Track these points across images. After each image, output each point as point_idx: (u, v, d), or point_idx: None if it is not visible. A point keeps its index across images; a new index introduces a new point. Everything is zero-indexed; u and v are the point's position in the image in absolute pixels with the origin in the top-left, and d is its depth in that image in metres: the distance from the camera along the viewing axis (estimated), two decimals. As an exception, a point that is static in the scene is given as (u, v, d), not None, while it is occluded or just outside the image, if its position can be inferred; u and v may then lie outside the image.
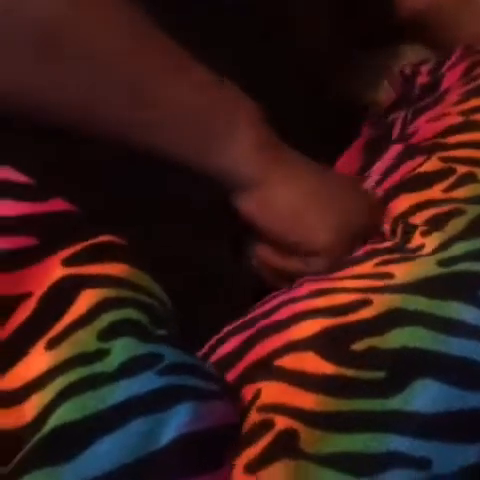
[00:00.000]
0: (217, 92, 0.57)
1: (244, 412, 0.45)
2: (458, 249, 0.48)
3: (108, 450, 0.41)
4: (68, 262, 0.47)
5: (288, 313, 0.48)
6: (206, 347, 0.51)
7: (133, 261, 0.49)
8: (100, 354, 0.44)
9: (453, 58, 0.72)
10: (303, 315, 0.47)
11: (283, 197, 0.56)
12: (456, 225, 0.51)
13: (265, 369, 0.46)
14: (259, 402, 0.45)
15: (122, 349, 0.44)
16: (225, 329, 0.51)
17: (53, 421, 0.42)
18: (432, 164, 0.57)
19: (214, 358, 0.49)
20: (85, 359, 0.44)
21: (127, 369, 0.44)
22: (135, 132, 0.54)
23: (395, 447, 0.41)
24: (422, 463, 0.40)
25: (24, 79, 0.52)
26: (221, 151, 0.55)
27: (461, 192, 0.53)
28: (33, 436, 0.41)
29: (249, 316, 0.50)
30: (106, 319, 0.45)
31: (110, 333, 0.45)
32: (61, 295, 0.46)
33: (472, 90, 0.64)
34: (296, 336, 0.46)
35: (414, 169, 0.58)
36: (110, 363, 0.44)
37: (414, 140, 0.63)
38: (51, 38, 0.51)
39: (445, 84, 0.69)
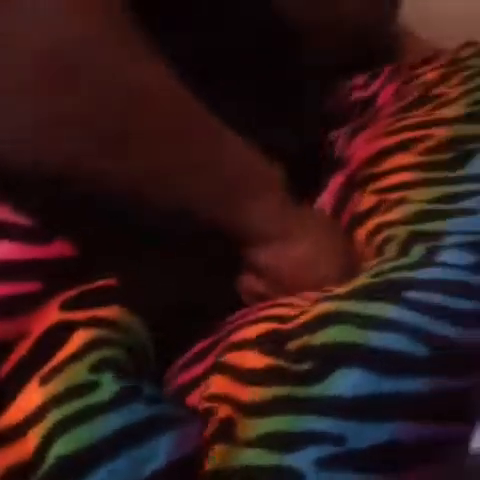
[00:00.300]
0: (250, 158, 0.59)
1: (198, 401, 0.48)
2: (389, 266, 0.53)
3: (104, 479, 0.43)
4: (65, 307, 0.49)
5: (243, 321, 0.52)
6: (177, 367, 0.53)
7: (124, 302, 0.51)
8: (92, 386, 0.46)
9: (385, 73, 0.76)
10: (252, 321, 0.51)
11: (300, 249, 0.59)
12: (389, 250, 0.56)
13: (214, 367, 0.49)
14: (206, 392, 0.48)
15: (112, 381, 0.47)
16: (194, 350, 0.53)
17: (52, 455, 0.44)
18: (367, 200, 0.61)
19: (185, 378, 0.52)
20: (78, 391, 0.46)
21: (117, 400, 0.46)
22: (170, 193, 0.55)
23: (314, 426, 0.44)
24: (338, 440, 0.43)
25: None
26: (250, 210, 0.58)
27: (393, 215, 0.58)
28: (37, 470, 0.44)
29: (217, 335, 0.53)
30: (96, 355, 0.47)
31: (100, 367, 0.47)
32: (55, 336, 0.48)
33: (402, 108, 0.67)
34: (241, 337, 0.50)
35: (353, 210, 0.62)
36: (102, 394, 0.46)
37: (352, 166, 0.66)
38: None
39: (380, 101, 0.72)
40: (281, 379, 0.46)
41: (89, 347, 0.48)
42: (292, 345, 0.48)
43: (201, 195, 0.56)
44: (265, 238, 0.58)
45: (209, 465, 0.45)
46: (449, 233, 0.54)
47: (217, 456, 0.45)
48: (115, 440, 0.45)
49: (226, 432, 0.46)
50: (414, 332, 0.47)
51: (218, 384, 0.48)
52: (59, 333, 0.49)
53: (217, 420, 0.46)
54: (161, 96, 0.54)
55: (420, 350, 0.46)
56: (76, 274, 0.51)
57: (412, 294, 0.49)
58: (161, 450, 0.45)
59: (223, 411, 0.46)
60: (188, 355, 0.53)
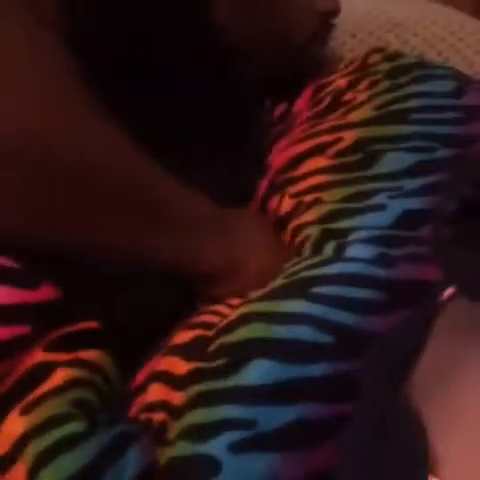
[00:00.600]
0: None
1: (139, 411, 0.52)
2: (299, 267, 0.56)
3: None
4: (48, 348, 0.52)
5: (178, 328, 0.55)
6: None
7: (103, 344, 0.54)
8: (70, 416, 0.49)
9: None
10: (184, 328, 0.54)
11: (249, 269, 0.62)
12: (305, 249, 0.59)
13: (152, 375, 0.53)
14: (144, 402, 0.51)
15: (85, 416, 0.50)
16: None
17: None
18: (286, 204, 0.64)
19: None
20: (56, 421, 0.48)
21: (91, 429, 0.49)
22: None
23: (227, 414, 0.47)
24: (249, 424, 0.46)
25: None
26: (198, 255, 0.61)
27: (309, 217, 0.61)
28: None
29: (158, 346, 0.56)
30: (76, 393, 0.50)
31: (77, 404, 0.50)
32: (37, 373, 0.50)
33: (316, 114, 0.71)
34: (175, 342, 0.53)
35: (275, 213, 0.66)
36: (78, 424, 0.49)
37: (272, 171, 0.69)
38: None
39: (295, 108, 0.76)
40: (201, 377, 0.49)
41: (70, 384, 0.50)
42: (211, 347, 0.51)
43: (155, 250, 0.60)
44: (214, 276, 0.61)
45: None
46: (357, 229, 0.58)
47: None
48: (94, 467, 0.47)
49: (160, 437, 0.48)
50: (318, 323, 0.50)
51: (154, 392, 0.51)
52: (41, 371, 0.51)
53: (154, 428, 0.49)
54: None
55: (324, 338, 0.49)
56: (61, 317, 0.54)
57: (317, 289, 0.53)
58: (130, 463, 0.47)
59: (157, 418, 0.50)
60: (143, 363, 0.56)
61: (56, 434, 0.48)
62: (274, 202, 0.67)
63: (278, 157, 0.70)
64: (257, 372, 0.48)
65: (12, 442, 0.48)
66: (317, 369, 0.48)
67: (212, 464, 0.46)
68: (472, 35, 1.09)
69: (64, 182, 0.56)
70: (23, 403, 0.49)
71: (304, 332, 0.50)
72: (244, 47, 0.75)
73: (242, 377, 0.48)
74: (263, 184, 0.71)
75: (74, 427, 0.48)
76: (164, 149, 0.62)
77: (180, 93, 0.70)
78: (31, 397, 0.49)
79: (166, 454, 0.47)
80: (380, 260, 0.55)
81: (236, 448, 0.46)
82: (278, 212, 0.66)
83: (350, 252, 0.56)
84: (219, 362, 0.50)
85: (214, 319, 0.54)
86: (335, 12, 0.80)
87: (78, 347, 0.53)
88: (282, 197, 0.66)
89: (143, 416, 0.51)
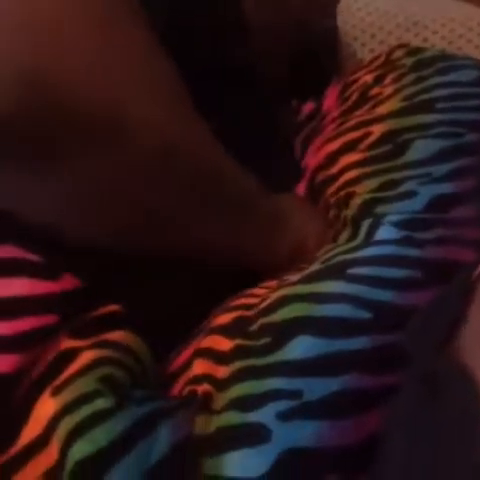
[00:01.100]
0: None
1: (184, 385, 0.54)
2: (335, 251, 0.59)
3: (122, 474, 0.48)
4: (74, 335, 0.53)
5: (218, 310, 0.58)
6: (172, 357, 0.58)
7: (128, 326, 0.56)
8: (99, 393, 0.50)
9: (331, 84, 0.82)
10: (226, 310, 0.57)
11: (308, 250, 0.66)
12: (341, 238, 0.62)
13: (193, 356, 0.55)
14: (190, 376, 0.54)
15: (113, 392, 0.51)
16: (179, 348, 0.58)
17: (72, 459, 0.48)
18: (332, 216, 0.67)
19: (170, 370, 0.57)
20: (86, 399, 0.50)
21: (121, 404, 0.51)
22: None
23: (273, 386, 0.49)
24: (295, 394, 0.49)
25: None
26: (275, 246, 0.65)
27: (346, 212, 0.64)
28: (62, 474, 0.48)
29: (198, 328, 0.58)
30: (102, 370, 0.52)
31: (105, 380, 0.51)
32: (64, 358, 0.52)
33: (344, 111, 0.73)
34: (216, 323, 0.56)
35: None
36: (108, 400, 0.50)
37: (307, 175, 0.73)
38: None
39: (324, 107, 0.78)
40: (245, 354, 0.52)
41: (97, 363, 0.52)
42: (253, 327, 0.53)
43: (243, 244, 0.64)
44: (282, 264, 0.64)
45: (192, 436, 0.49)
46: (389, 213, 0.60)
47: (197, 426, 0.49)
48: (124, 439, 0.49)
49: (205, 406, 0.50)
50: (356, 300, 0.52)
51: (199, 366, 0.53)
52: (68, 355, 0.52)
53: (198, 398, 0.51)
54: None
55: (362, 314, 0.52)
56: (86, 304, 0.55)
57: (353, 270, 0.55)
58: (161, 438, 0.49)
59: (202, 389, 0.51)
60: (179, 347, 0.58)
61: (86, 410, 0.49)
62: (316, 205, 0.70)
63: (313, 157, 0.73)
64: (300, 347, 0.50)
65: (45, 424, 0.49)
66: (358, 342, 0.50)
67: (262, 431, 0.48)
68: (490, 30, 1.11)
69: (186, 187, 0.59)
70: (53, 385, 0.51)
71: (343, 309, 0.52)
72: (261, 27, 0.79)
73: (286, 353, 0.51)
74: (301, 186, 0.74)
75: (103, 403, 0.50)
76: None
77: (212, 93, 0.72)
78: (60, 379, 0.51)
79: (214, 423, 0.49)
80: (409, 241, 0.57)
81: (284, 416, 0.48)
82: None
83: (379, 234, 0.58)
84: (263, 341, 0.52)
85: (252, 301, 0.56)
86: None
87: (103, 330, 0.55)
88: (322, 200, 0.69)
89: (188, 389, 0.53)
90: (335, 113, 0.74)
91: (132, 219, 0.58)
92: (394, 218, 0.59)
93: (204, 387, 0.51)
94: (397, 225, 0.58)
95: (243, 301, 0.57)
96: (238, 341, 0.53)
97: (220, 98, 0.73)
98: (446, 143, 0.63)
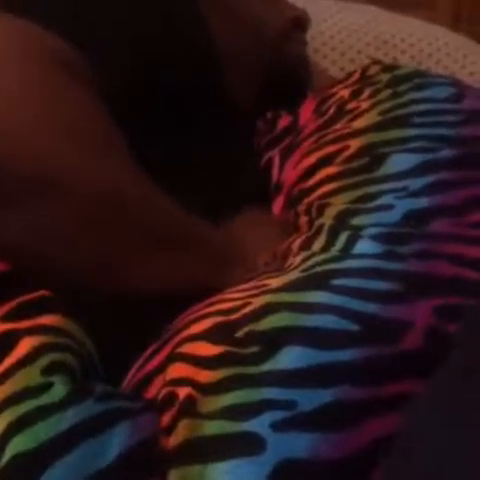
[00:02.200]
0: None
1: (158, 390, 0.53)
2: (314, 260, 0.59)
3: (61, 474, 0.47)
4: (7, 317, 0.53)
5: (189, 319, 0.57)
6: (134, 369, 0.58)
7: (63, 311, 0.55)
8: (45, 387, 0.50)
9: (308, 98, 0.83)
10: (199, 318, 0.56)
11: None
12: (315, 245, 0.62)
13: (169, 358, 0.54)
14: (166, 379, 0.53)
15: (65, 382, 0.50)
16: (147, 351, 0.58)
17: (9, 451, 0.47)
18: (303, 223, 0.68)
19: (141, 374, 0.56)
20: (31, 392, 0.49)
21: (70, 399, 0.50)
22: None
23: (267, 395, 0.49)
24: (289, 404, 0.49)
25: None
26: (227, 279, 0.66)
27: (321, 220, 0.65)
28: None
29: (166, 335, 0.58)
30: (47, 358, 0.51)
31: (52, 370, 0.51)
32: (2, 345, 0.51)
33: (321, 126, 0.74)
34: (193, 331, 0.55)
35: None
36: (55, 394, 0.49)
37: (285, 189, 0.74)
38: None
39: (301, 121, 0.79)
40: (233, 361, 0.51)
41: (38, 352, 0.51)
42: (239, 334, 0.53)
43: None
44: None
45: (175, 439, 0.49)
46: (367, 226, 0.61)
47: (183, 429, 0.49)
48: (69, 436, 0.48)
49: (189, 409, 0.50)
50: (342, 312, 0.53)
51: (176, 370, 0.53)
52: (4, 341, 0.52)
53: (179, 400, 0.51)
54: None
55: (349, 326, 0.52)
56: (13, 288, 0.55)
57: (336, 282, 0.55)
58: (115, 440, 0.48)
59: (183, 392, 0.51)
60: (143, 355, 0.58)
61: (29, 404, 0.49)
62: (289, 219, 0.71)
63: (291, 172, 0.74)
64: (290, 357, 0.51)
65: None
66: (348, 354, 0.50)
67: (257, 440, 0.48)
68: (458, 50, 1.13)
69: (133, 230, 0.62)
70: None
71: (330, 320, 0.52)
72: (225, 52, 0.80)
73: (276, 362, 0.51)
74: (279, 201, 0.75)
75: (48, 398, 0.49)
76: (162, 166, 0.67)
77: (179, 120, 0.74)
78: (1, 369, 0.50)
79: (204, 430, 0.49)
80: (389, 255, 0.58)
81: (278, 426, 0.48)
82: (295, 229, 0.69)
83: (359, 248, 0.59)
84: (252, 349, 0.52)
85: (229, 305, 0.56)
86: (303, 18, 0.91)
87: (38, 314, 0.54)
88: (296, 211, 0.70)
89: (165, 390, 0.52)
90: (312, 127, 0.75)
91: (68, 260, 0.60)
92: (372, 231, 0.60)
93: (185, 390, 0.51)
94: (376, 239, 0.59)
95: (218, 307, 0.57)
96: (224, 347, 0.53)
97: (190, 123, 0.76)
98: (423, 157, 0.65)
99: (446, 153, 0.65)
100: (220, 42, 0.80)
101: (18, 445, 0.47)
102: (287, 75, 0.90)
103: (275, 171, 0.78)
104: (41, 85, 0.60)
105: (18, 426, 0.48)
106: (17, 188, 0.56)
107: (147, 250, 0.63)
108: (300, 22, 0.92)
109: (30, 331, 0.52)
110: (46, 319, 0.54)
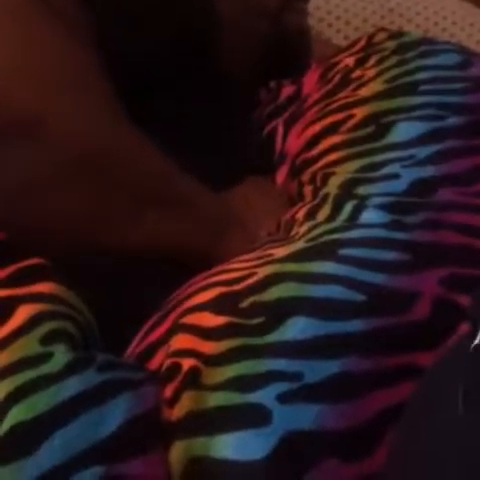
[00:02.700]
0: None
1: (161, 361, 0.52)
2: (319, 230, 0.58)
3: (62, 442, 0.46)
4: (1, 284, 0.52)
5: (193, 289, 0.56)
6: (136, 339, 0.57)
7: (61, 279, 0.54)
8: (44, 357, 0.49)
9: (312, 67, 0.81)
10: (202, 288, 0.55)
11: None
12: (320, 215, 0.61)
13: (173, 329, 0.53)
14: (170, 350, 0.52)
15: (65, 351, 0.49)
16: (150, 321, 0.57)
17: (8, 421, 0.46)
18: (308, 192, 0.67)
19: (144, 344, 0.56)
20: (30, 362, 0.48)
21: (71, 369, 0.49)
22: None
23: (273, 367, 0.49)
24: (296, 376, 0.48)
25: None
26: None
27: (326, 190, 0.64)
28: None
29: (169, 305, 0.57)
30: (45, 327, 0.50)
31: (51, 338, 0.50)
32: None
33: (325, 94, 0.73)
34: (196, 301, 0.54)
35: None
36: (55, 364, 0.49)
37: (289, 158, 0.73)
38: None
39: (305, 90, 0.78)
40: (238, 332, 0.51)
41: (36, 320, 0.50)
42: (243, 304, 0.52)
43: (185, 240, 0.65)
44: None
45: (180, 411, 0.48)
46: (373, 195, 0.60)
47: (188, 401, 0.48)
48: (69, 406, 0.47)
49: (193, 380, 0.49)
50: (348, 282, 0.52)
51: (180, 341, 0.52)
52: (1, 309, 0.51)
53: (183, 372, 0.50)
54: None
55: (356, 296, 0.51)
56: (7, 255, 0.54)
57: (342, 252, 0.55)
58: (117, 410, 0.48)
59: (188, 363, 0.50)
60: (145, 326, 0.57)
61: (28, 374, 0.48)
62: (293, 189, 0.70)
63: (295, 141, 0.73)
64: (296, 328, 0.50)
65: None
66: (354, 325, 0.50)
67: (263, 412, 0.47)
68: (465, 19, 1.12)
69: (122, 187, 0.62)
70: None
71: (336, 291, 0.52)
72: (228, 18, 0.80)
73: (282, 333, 0.50)
74: (282, 171, 0.73)
75: (48, 368, 0.48)
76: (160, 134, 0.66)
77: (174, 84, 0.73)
78: None
79: (210, 401, 0.48)
80: (397, 225, 0.57)
81: (285, 398, 0.47)
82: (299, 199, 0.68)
83: (366, 217, 0.58)
84: (257, 320, 0.51)
85: (232, 275, 0.56)
86: None
87: (33, 281, 0.53)
88: (300, 185, 0.69)
89: (168, 361, 0.51)
90: (316, 95, 0.74)
91: (55, 209, 0.60)
92: (378, 200, 0.59)
93: (190, 361, 0.50)
94: (383, 208, 0.58)
95: (222, 277, 0.56)
96: (228, 318, 0.52)
97: (188, 93, 0.75)
98: (429, 126, 0.64)
99: (453, 121, 0.64)
100: (219, 8, 0.78)
101: (17, 415, 0.47)
102: (286, 46, 0.88)
103: (278, 140, 0.77)
104: (23, 32, 0.60)
105: (17, 396, 0.47)
106: (0, 130, 0.56)
107: (135, 204, 0.63)
108: None
109: (27, 299, 0.52)
110: (43, 287, 0.53)
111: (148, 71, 0.71)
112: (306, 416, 0.47)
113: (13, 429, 0.46)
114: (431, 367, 0.46)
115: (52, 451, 0.46)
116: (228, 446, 0.46)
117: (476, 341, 0.41)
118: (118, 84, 0.64)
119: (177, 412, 0.48)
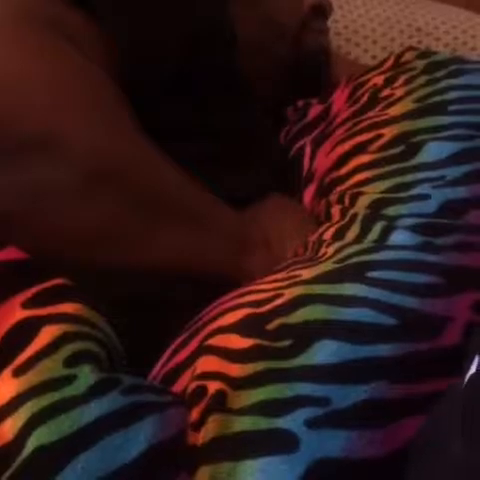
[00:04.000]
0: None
1: (186, 384, 0.51)
2: (348, 251, 0.58)
3: (84, 466, 0.45)
4: (27, 305, 0.51)
5: (218, 311, 0.55)
6: (162, 361, 0.56)
7: (84, 300, 0.54)
8: (68, 379, 0.48)
9: (340, 86, 0.81)
10: (229, 309, 0.55)
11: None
12: (349, 235, 0.60)
13: (199, 351, 0.53)
14: (195, 373, 0.51)
15: (88, 373, 0.49)
16: (176, 343, 0.57)
17: (32, 443, 0.46)
18: (335, 212, 0.66)
19: (169, 367, 0.55)
20: (54, 384, 0.48)
21: (95, 391, 0.48)
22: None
23: (300, 391, 0.47)
24: (323, 401, 0.47)
25: None
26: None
27: (354, 210, 0.63)
28: (15, 458, 0.45)
29: (194, 327, 0.57)
30: (69, 349, 0.50)
31: (75, 360, 0.49)
32: (22, 332, 0.50)
33: (354, 113, 0.72)
34: (223, 323, 0.53)
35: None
36: (79, 386, 0.48)
37: (318, 176, 0.73)
38: None
39: (333, 110, 0.77)
40: (265, 355, 0.50)
41: (61, 341, 0.50)
42: (270, 326, 0.52)
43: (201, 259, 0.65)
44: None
45: (205, 435, 0.47)
46: (402, 216, 0.59)
47: (213, 425, 0.47)
48: (92, 430, 0.47)
49: (219, 403, 0.48)
50: (379, 305, 0.51)
51: (206, 364, 0.51)
52: (26, 329, 0.50)
53: (209, 395, 0.49)
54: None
55: (387, 320, 0.50)
56: (29, 275, 0.54)
57: (372, 274, 0.54)
58: (142, 435, 0.47)
59: (213, 386, 0.49)
60: (170, 348, 0.56)
61: (54, 396, 0.47)
62: (320, 208, 0.69)
63: (323, 160, 0.72)
64: (324, 352, 0.49)
65: (3, 403, 0.47)
66: (385, 350, 0.49)
67: (290, 438, 0.46)
68: (494, 37, 1.11)
69: (139, 203, 0.62)
70: (14, 365, 0.49)
71: (366, 314, 0.51)
72: (247, 40, 0.79)
73: (309, 357, 0.49)
74: (310, 190, 0.73)
75: (73, 389, 0.48)
76: (174, 149, 0.66)
77: (193, 93, 0.73)
78: (22, 358, 0.49)
79: (236, 426, 0.47)
80: (427, 247, 0.56)
81: (313, 424, 0.46)
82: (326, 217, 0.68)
83: (395, 239, 0.57)
84: (284, 343, 0.50)
85: (260, 296, 0.55)
86: (324, 4, 0.89)
87: (57, 302, 0.53)
88: (328, 199, 0.68)
89: (194, 384, 0.51)
90: (345, 115, 0.74)
91: (69, 224, 0.59)
92: (408, 222, 0.58)
93: (216, 384, 0.49)
94: (413, 229, 0.57)
95: (248, 299, 0.55)
96: (255, 340, 0.51)
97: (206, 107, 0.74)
98: (460, 145, 0.63)
99: None
100: (238, 30, 0.78)
101: (40, 437, 0.46)
102: (307, 66, 0.88)
103: (306, 160, 0.76)
104: (32, 46, 0.59)
105: (40, 418, 0.47)
106: (17, 145, 0.56)
107: (152, 221, 0.62)
108: (321, 8, 0.90)
109: (51, 319, 0.51)
110: (67, 307, 0.53)
111: (160, 78, 0.71)
112: (334, 443, 0.46)
113: (36, 452, 0.46)
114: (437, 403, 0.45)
115: (75, 475, 0.45)
116: (254, 472, 0.45)
117: (471, 371, 0.40)
118: (133, 97, 0.65)
119: (203, 436, 0.48)
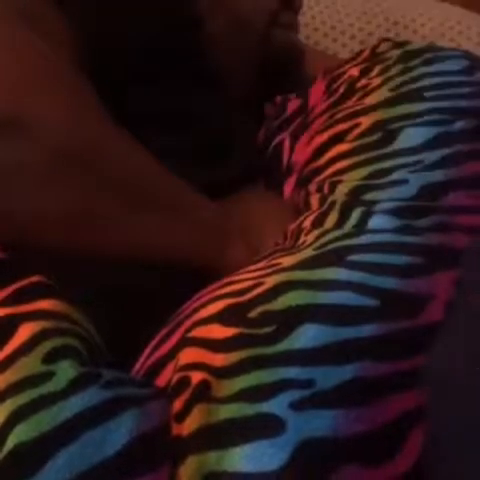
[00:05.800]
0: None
1: (170, 376, 0.51)
2: (327, 237, 0.58)
3: (65, 462, 0.45)
4: (4, 303, 0.52)
5: (199, 303, 0.56)
6: (144, 355, 0.56)
7: (61, 296, 0.54)
8: (47, 375, 0.48)
9: (317, 80, 0.81)
10: (210, 301, 0.55)
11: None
12: (328, 222, 0.61)
13: (181, 343, 0.53)
14: (178, 365, 0.51)
15: (67, 369, 0.49)
16: (158, 336, 0.57)
17: (12, 441, 0.46)
18: (315, 201, 0.66)
19: (150, 361, 0.55)
20: (33, 381, 0.48)
21: (75, 386, 0.48)
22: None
23: (284, 375, 0.48)
24: (307, 383, 0.47)
25: None
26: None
27: (333, 197, 0.63)
28: None
29: (176, 320, 0.57)
30: (48, 345, 0.50)
31: (54, 356, 0.49)
32: (0, 330, 0.50)
33: (331, 105, 0.73)
34: (204, 314, 0.53)
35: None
36: (58, 382, 0.48)
37: (297, 168, 0.73)
38: None
39: (311, 103, 0.78)
40: (248, 343, 0.50)
41: (39, 337, 0.50)
42: (252, 314, 0.52)
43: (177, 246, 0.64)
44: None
45: (190, 425, 0.47)
46: (381, 201, 0.59)
47: (198, 415, 0.47)
48: (73, 424, 0.46)
49: (203, 393, 0.48)
50: (360, 288, 0.51)
51: (189, 355, 0.51)
52: (3, 327, 0.50)
53: (192, 385, 0.49)
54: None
55: (369, 302, 0.51)
56: (5, 273, 0.54)
57: (352, 258, 0.54)
58: (123, 428, 0.47)
59: (197, 377, 0.49)
60: (152, 342, 0.56)
61: (33, 393, 0.47)
62: (300, 198, 0.69)
63: (302, 153, 0.72)
64: (307, 336, 0.49)
65: None
66: (366, 330, 0.49)
67: (276, 422, 0.46)
68: (470, 28, 1.11)
69: (109, 186, 0.61)
70: None
71: (348, 297, 0.51)
72: (215, 37, 0.80)
73: (293, 341, 0.49)
74: (290, 182, 0.73)
75: (52, 385, 0.48)
76: (144, 136, 0.66)
77: (161, 78, 0.74)
78: (0, 356, 0.49)
79: (221, 414, 0.47)
80: (406, 229, 0.56)
81: (297, 406, 0.46)
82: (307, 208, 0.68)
83: (375, 223, 0.58)
84: (267, 329, 0.50)
85: (241, 286, 0.55)
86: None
87: (36, 299, 0.53)
88: (307, 190, 0.68)
89: (177, 376, 0.50)
90: (322, 106, 0.74)
91: (38, 208, 0.59)
92: (386, 206, 0.58)
93: (199, 375, 0.49)
94: (391, 213, 0.58)
95: (229, 289, 0.55)
96: (237, 329, 0.51)
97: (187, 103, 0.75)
98: (436, 130, 0.63)
99: (460, 125, 0.63)
100: (208, 28, 0.78)
101: (21, 435, 0.46)
102: (276, 62, 0.88)
103: (285, 154, 0.76)
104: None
105: (20, 416, 0.47)
106: None
107: (123, 205, 0.62)
108: (291, 2, 0.90)
109: (29, 316, 0.51)
110: (45, 304, 0.53)
111: (128, 67, 0.71)
112: (321, 423, 0.46)
113: (16, 449, 0.46)
114: None
115: (56, 471, 0.45)
116: (242, 458, 0.45)
117: None
118: (100, 84, 0.65)
119: (188, 427, 0.47)
